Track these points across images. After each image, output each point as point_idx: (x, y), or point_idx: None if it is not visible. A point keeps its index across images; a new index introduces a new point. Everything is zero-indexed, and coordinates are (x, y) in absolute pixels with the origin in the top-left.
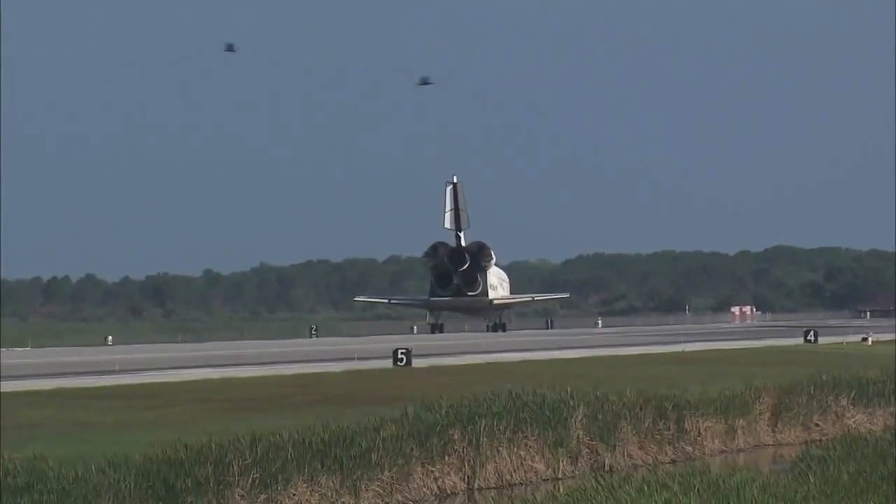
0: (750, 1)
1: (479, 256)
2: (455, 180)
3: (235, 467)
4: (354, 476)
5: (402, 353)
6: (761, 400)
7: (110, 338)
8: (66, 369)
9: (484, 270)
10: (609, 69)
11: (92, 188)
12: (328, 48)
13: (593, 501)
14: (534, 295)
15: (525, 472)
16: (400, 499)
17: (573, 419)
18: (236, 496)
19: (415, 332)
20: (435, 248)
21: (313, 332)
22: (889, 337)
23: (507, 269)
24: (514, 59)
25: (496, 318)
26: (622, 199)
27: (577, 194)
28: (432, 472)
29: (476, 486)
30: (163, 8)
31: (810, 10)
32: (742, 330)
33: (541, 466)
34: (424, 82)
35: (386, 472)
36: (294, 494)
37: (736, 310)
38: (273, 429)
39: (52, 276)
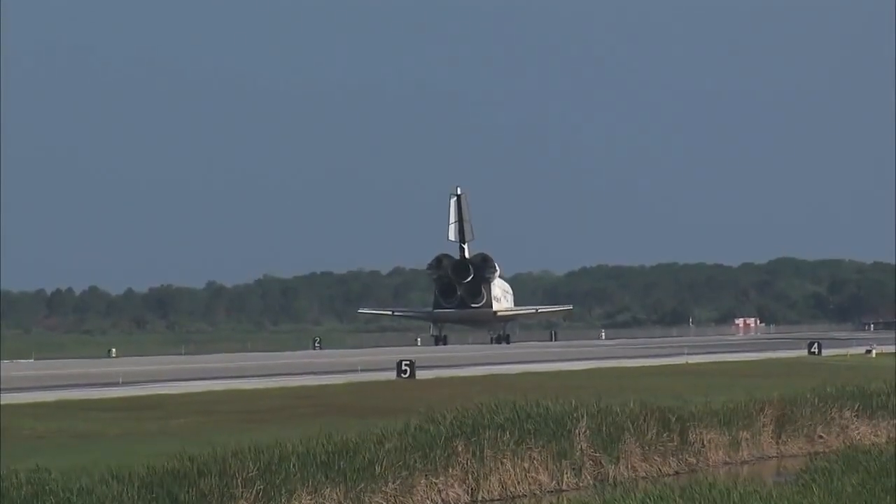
0: (754, 14)
1: (482, 268)
2: (459, 192)
3: (239, 479)
4: (358, 488)
5: (405, 365)
6: (765, 412)
7: (114, 350)
8: (69, 381)
9: (488, 282)
10: (612, 80)
11: (95, 200)
12: (330, 59)
13: None
14: (537, 307)
15: (529, 483)
16: None
17: (577, 431)
18: None
19: (419, 343)
20: (439, 260)
21: (317, 344)
22: (893, 349)
23: (511, 280)
24: (517, 71)
25: (500, 329)
26: (625, 211)
27: (581, 206)
28: (436, 483)
29: (479, 499)
30: (167, 19)
31: (813, 21)
32: (746, 342)
33: (544, 478)
34: None
35: (389, 484)
36: None
37: (740, 322)
38: (277, 440)
39: (56, 289)
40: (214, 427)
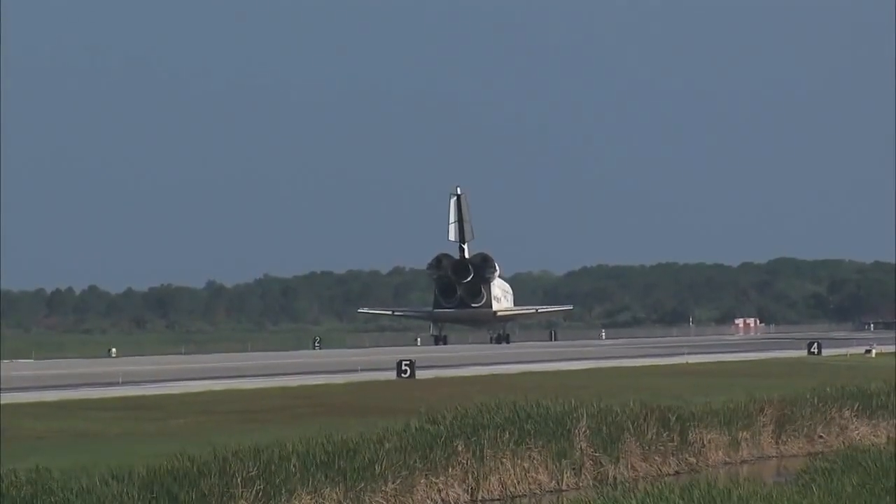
0: (754, 14)
1: (482, 268)
2: (459, 192)
3: (239, 479)
4: (358, 488)
5: (405, 365)
6: (765, 412)
7: (114, 349)
8: (69, 381)
9: (487, 282)
10: (612, 81)
11: (95, 200)
12: (330, 59)
13: None
14: (537, 307)
15: (529, 483)
16: None
17: (577, 431)
18: None
19: (419, 343)
20: (439, 260)
21: (317, 344)
22: (892, 349)
23: (511, 280)
24: (517, 71)
25: (500, 329)
26: (625, 211)
27: (581, 206)
28: (436, 483)
29: (479, 498)
30: (167, 19)
31: (813, 21)
32: (746, 342)
33: (544, 478)
34: None
35: (389, 484)
36: None
37: (739, 322)
38: (277, 440)
39: (56, 288)
40: (214, 427)
